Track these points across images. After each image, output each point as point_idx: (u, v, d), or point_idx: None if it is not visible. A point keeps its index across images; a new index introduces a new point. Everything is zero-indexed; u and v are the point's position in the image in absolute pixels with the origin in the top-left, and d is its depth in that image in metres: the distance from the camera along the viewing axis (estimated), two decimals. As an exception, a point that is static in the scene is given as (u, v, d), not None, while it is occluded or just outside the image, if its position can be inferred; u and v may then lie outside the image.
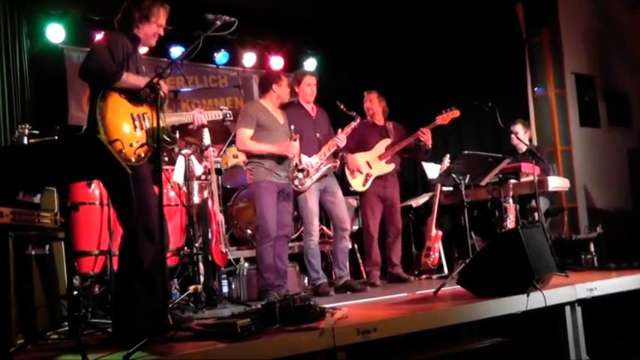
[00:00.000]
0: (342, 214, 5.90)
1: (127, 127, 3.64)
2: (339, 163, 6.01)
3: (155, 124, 3.68)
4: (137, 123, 3.69)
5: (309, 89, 5.93)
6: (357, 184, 6.36)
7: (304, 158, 5.68)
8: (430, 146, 6.46)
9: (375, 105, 6.65)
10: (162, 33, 3.98)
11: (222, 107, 4.63)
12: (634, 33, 9.23)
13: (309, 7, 7.98)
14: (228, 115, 4.52)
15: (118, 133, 3.58)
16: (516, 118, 7.25)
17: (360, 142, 6.45)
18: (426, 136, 6.36)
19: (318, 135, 5.89)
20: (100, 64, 3.59)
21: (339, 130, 5.91)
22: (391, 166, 6.51)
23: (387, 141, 6.57)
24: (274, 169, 5.46)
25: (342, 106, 5.98)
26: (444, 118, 6.50)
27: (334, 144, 5.83)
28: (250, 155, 5.56)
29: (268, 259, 5.36)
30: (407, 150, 6.60)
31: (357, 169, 6.33)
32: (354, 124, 5.96)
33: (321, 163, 5.75)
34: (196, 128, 4.21)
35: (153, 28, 3.90)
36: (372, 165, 6.43)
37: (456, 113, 6.50)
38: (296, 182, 5.66)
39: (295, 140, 5.44)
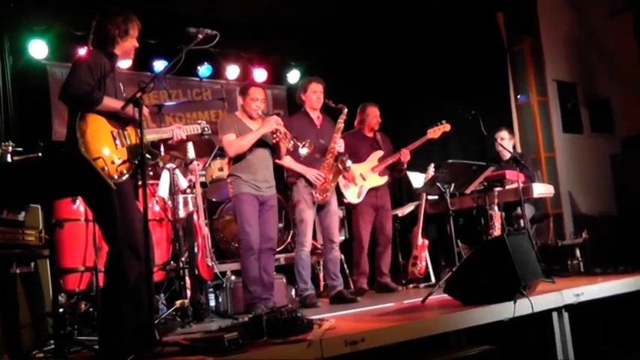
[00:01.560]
0: (332, 224, 5.87)
1: (107, 144, 3.65)
2: (347, 163, 5.86)
3: (135, 141, 3.69)
4: (117, 141, 3.70)
5: (314, 96, 5.89)
6: (351, 195, 6.37)
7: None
8: (405, 166, 6.60)
9: (379, 119, 6.71)
10: (137, 45, 4.00)
11: (199, 121, 4.57)
12: (613, 40, 9.33)
13: (292, 19, 8.00)
14: (206, 129, 4.50)
15: (100, 151, 3.59)
16: (500, 126, 7.30)
17: (351, 153, 6.46)
18: (403, 156, 6.49)
19: (322, 142, 5.86)
20: (83, 89, 3.59)
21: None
22: (384, 179, 6.56)
23: (380, 153, 6.61)
24: (252, 180, 5.39)
25: (330, 103, 5.94)
26: (435, 132, 6.58)
27: (333, 149, 5.80)
28: (231, 165, 5.50)
29: (253, 272, 5.32)
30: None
31: (351, 180, 6.34)
32: (343, 117, 5.88)
33: (332, 172, 5.76)
34: (176, 143, 4.20)
35: (130, 42, 3.92)
36: (365, 177, 6.45)
37: (447, 127, 6.61)
38: (317, 195, 5.68)
39: (277, 118, 5.43)
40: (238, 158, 5.45)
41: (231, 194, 5.53)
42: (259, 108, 5.56)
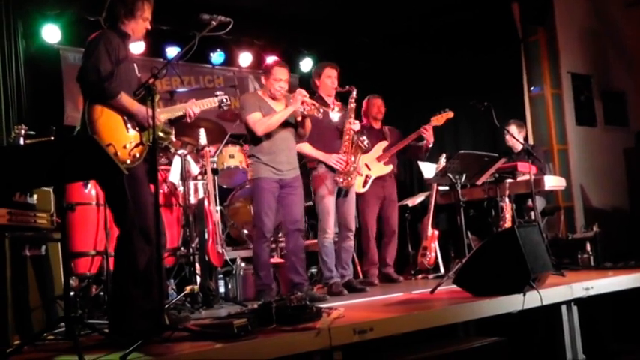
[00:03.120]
0: (349, 212, 5.84)
1: (119, 129, 3.64)
2: (365, 141, 5.73)
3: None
4: (129, 125, 3.69)
5: (329, 81, 5.78)
6: (357, 185, 6.34)
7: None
8: (431, 144, 6.48)
9: (382, 109, 6.68)
10: (149, 27, 3.94)
11: (217, 92, 4.34)
12: (630, 32, 9.25)
13: (305, 6, 7.97)
14: (224, 100, 4.31)
15: (111, 137, 3.57)
16: (512, 118, 7.26)
17: None
18: (428, 133, 6.38)
19: (339, 127, 5.75)
20: (103, 76, 3.56)
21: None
22: (389, 168, 6.55)
23: (384, 143, 6.59)
24: (272, 162, 5.24)
25: (337, 87, 5.83)
26: (438, 120, 6.53)
27: (349, 130, 5.68)
28: (251, 148, 5.40)
29: (264, 257, 5.28)
30: (406, 150, 6.62)
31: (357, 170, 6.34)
32: (353, 97, 5.75)
33: (352, 155, 5.66)
34: (190, 121, 4.10)
35: (139, 23, 3.87)
36: (370, 167, 6.44)
37: (450, 114, 6.55)
38: (341, 180, 5.60)
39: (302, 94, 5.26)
40: (260, 139, 5.27)
41: (250, 177, 5.44)
42: (283, 89, 5.35)
